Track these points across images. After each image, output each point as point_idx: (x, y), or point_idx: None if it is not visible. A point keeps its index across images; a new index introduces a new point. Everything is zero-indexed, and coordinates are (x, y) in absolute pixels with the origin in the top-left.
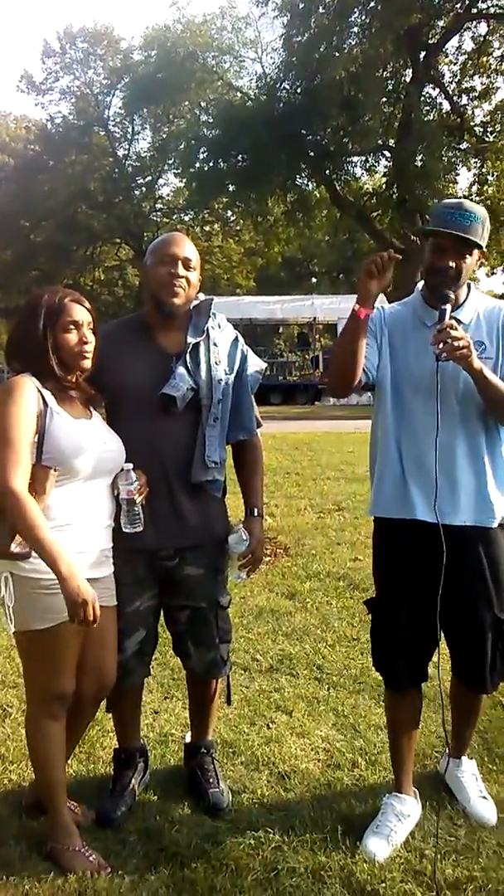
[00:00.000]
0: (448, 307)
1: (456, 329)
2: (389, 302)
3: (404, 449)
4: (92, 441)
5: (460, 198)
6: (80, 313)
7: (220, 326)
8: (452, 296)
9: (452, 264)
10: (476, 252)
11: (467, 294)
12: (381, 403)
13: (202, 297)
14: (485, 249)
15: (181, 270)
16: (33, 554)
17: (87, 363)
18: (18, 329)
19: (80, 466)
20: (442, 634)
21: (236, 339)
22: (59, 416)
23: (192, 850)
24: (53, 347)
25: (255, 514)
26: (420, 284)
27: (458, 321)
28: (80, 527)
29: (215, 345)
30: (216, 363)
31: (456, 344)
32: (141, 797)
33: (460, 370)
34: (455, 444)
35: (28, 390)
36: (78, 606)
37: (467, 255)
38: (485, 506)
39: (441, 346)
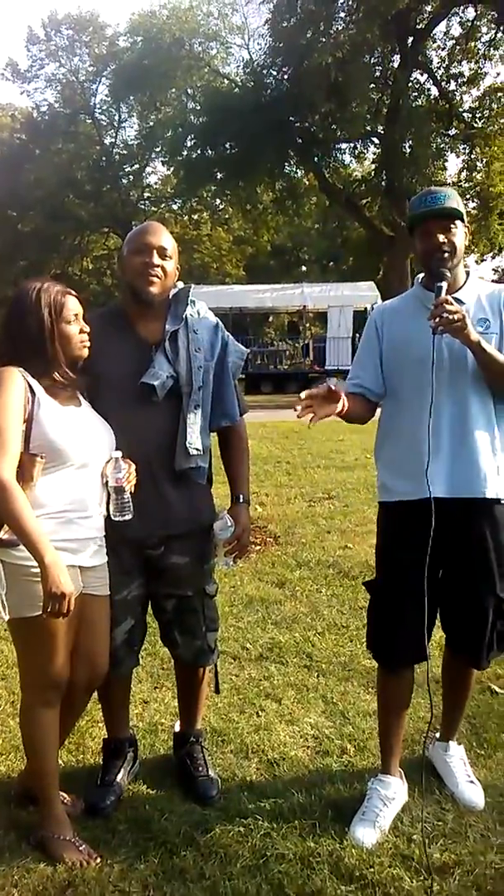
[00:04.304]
0: (444, 284)
1: (451, 304)
2: (382, 290)
3: (412, 430)
4: (81, 429)
5: (448, 184)
6: (77, 305)
7: (199, 314)
8: (447, 273)
9: (443, 239)
10: (460, 224)
11: (466, 278)
12: (391, 392)
13: (181, 285)
14: (467, 223)
15: (156, 259)
16: None
17: (86, 352)
18: (18, 325)
19: (69, 454)
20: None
21: (216, 325)
22: (47, 404)
23: (181, 838)
24: (60, 341)
25: (241, 500)
26: (419, 276)
27: (459, 301)
28: (72, 515)
29: (195, 332)
30: (196, 350)
31: (451, 317)
32: (130, 787)
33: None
34: (468, 419)
35: (15, 380)
36: (55, 598)
37: (452, 227)
38: (499, 478)
39: (437, 319)
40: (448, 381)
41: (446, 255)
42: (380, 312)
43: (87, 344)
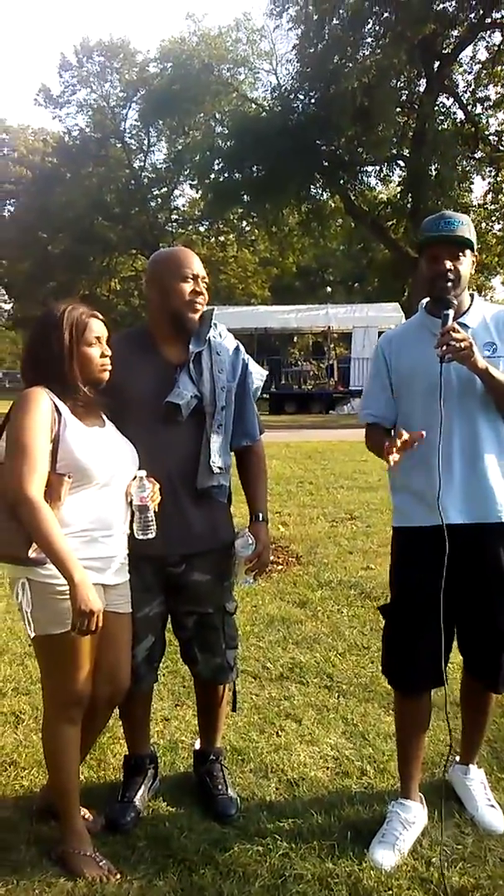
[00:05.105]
0: (451, 312)
1: (458, 332)
2: (407, 311)
3: (423, 456)
4: (105, 448)
5: (474, 206)
6: (101, 328)
7: (221, 335)
8: (454, 300)
9: (450, 266)
10: (469, 253)
11: (471, 302)
12: (403, 418)
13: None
14: (476, 252)
15: (201, 287)
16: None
17: (107, 375)
18: (41, 344)
19: (94, 473)
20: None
21: (238, 347)
22: (73, 425)
23: (200, 856)
24: (79, 362)
25: (261, 518)
26: (423, 302)
27: (465, 325)
28: (96, 533)
29: (217, 353)
30: (219, 371)
31: (457, 345)
32: (150, 804)
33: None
34: (478, 442)
35: (43, 401)
36: (84, 616)
37: (461, 255)
38: None
39: (444, 348)
40: (458, 406)
41: (450, 283)
42: (387, 341)
43: (108, 367)
